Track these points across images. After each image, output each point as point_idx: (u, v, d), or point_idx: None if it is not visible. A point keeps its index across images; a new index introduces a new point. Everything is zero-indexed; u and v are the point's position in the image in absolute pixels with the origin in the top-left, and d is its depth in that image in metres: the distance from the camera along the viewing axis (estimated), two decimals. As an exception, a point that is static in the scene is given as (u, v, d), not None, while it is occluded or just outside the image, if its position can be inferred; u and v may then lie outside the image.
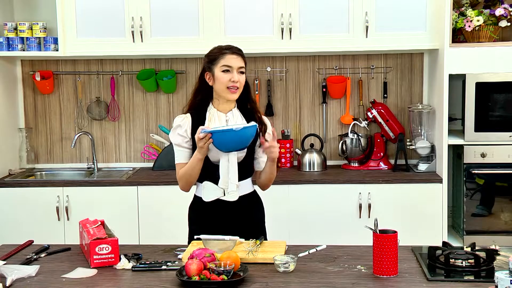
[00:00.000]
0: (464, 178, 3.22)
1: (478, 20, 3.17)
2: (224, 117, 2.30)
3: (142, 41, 3.36)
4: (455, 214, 3.46)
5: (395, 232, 1.78)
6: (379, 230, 1.80)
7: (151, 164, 3.68)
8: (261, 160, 2.36)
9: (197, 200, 2.37)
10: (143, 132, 3.78)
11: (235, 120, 2.30)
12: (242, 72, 2.26)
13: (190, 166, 2.22)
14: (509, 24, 3.26)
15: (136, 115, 3.77)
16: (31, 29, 3.42)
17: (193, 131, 2.23)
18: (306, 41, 3.37)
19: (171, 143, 3.48)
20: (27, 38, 3.42)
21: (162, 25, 3.38)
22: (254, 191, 2.44)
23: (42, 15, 3.57)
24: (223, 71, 2.22)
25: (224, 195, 2.27)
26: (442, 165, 3.22)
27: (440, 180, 3.22)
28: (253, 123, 2.15)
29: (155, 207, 3.29)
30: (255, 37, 3.39)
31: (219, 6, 3.34)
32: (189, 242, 2.34)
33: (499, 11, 3.21)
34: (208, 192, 2.29)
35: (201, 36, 3.35)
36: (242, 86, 2.27)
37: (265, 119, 2.39)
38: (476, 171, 3.20)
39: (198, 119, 2.30)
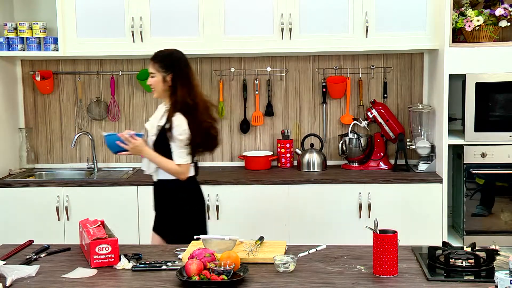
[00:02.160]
0: (464, 178, 3.23)
1: (478, 20, 3.17)
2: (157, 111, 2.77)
3: (142, 41, 3.37)
4: (455, 214, 3.46)
5: (395, 232, 1.78)
6: (379, 230, 1.80)
7: (151, 164, 3.69)
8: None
9: None
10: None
11: (154, 115, 2.76)
12: (152, 76, 2.63)
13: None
14: (509, 24, 3.26)
15: (136, 115, 3.78)
16: (31, 29, 3.42)
17: None
18: (306, 41, 3.37)
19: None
20: (27, 38, 3.42)
21: (162, 25, 3.41)
22: (175, 180, 2.64)
23: (42, 15, 3.57)
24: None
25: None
26: (442, 165, 3.23)
27: (440, 180, 3.23)
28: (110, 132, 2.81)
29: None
30: (255, 37, 3.40)
31: (219, 6, 3.35)
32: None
33: (499, 11, 3.20)
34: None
35: (201, 36, 3.36)
36: (157, 87, 2.63)
37: (174, 117, 2.58)
38: (476, 171, 3.21)
39: None
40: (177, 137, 2.57)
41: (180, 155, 2.61)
